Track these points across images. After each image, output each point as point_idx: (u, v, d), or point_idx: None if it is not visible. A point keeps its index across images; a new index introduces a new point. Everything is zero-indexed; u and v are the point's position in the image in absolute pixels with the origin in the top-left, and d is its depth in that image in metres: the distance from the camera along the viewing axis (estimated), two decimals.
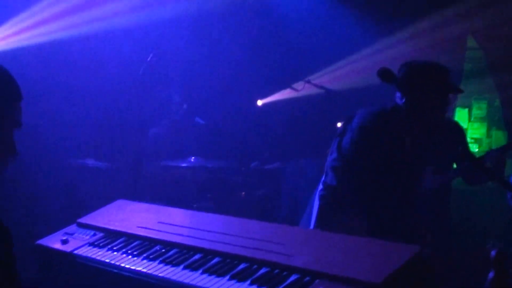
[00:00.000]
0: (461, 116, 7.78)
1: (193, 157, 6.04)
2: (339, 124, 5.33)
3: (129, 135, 6.33)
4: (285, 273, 2.54)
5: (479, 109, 8.21)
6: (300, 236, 2.86)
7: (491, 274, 2.37)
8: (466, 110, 8.07)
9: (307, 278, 2.46)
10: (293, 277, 2.50)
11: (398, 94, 3.87)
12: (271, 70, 7.18)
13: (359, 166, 3.76)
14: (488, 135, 7.84)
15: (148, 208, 3.45)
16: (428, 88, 3.74)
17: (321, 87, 6.39)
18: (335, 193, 3.76)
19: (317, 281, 2.42)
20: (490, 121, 8.08)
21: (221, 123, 6.96)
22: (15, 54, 5.64)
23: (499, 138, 7.59)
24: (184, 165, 6.00)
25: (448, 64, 3.87)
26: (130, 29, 6.15)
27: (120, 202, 3.61)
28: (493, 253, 2.36)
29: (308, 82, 6.63)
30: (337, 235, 2.78)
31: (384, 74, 3.50)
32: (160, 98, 6.59)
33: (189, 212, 3.34)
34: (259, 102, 7.47)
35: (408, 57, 3.95)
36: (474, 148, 7.39)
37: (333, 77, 7.20)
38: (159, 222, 3.18)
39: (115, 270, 2.90)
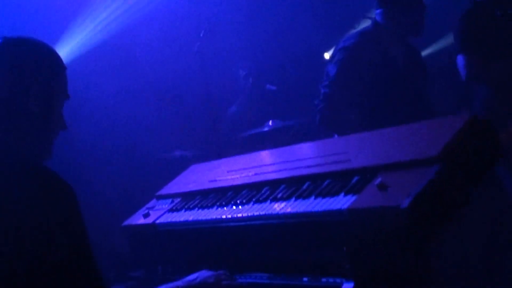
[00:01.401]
0: None
1: (271, 121, 6.05)
2: None
3: (207, 120, 6.40)
4: (346, 178, 2.50)
5: None
6: (353, 142, 2.82)
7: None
8: None
9: (368, 175, 2.41)
10: (355, 179, 2.45)
11: (378, 11, 3.99)
12: (333, 17, 7.06)
13: (346, 88, 3.82)
14: None
15: (219, 163, 3.50)
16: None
17: None
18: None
19: (378, 175, 2.36)
20: None
21: (293, 85, 6.93)
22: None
23: None
24: (265, 129, 6.03)
25: None
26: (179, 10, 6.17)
27: (193, 167, 3.67)
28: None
29: (368, 17, 6.46)
30: (386, 130, 2.72)
31: None
32: (225, 75, 6.61)
33: (253, 154, 3.34)
34: (326, 55, 7.37)
35: None
36: None
37: None
38: (228, 171, 3.20)
39: (195, 226, 2.94)
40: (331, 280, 2.33)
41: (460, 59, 4.28)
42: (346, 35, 4.21)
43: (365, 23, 6.56)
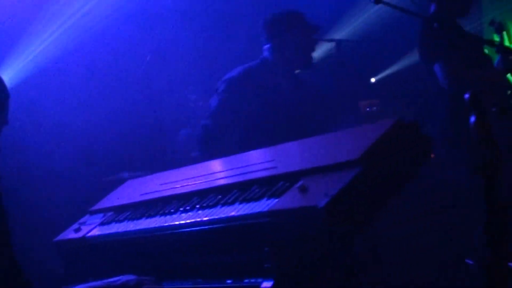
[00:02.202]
0: None
1: None
2: None
3: (156, 142, 6.36)
4: (271, 183, 2.49)
5: None
6: (281, 150, 2.82)
7: (472, 119, 2.25)
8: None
9: (292, 180, 2.40)
10: (279, 184, 2.44)
11: (266, 46, 4.02)
12: None
13: (226, 120, 3.82)
14: None
15: (152, 177, 3.46)
16: (288, 31, 4.03)
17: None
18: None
19: (301, 179, 2.35)
20: None
21: None
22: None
23: None
24: None
25: None
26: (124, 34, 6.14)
27: (128, 183, 3.63)
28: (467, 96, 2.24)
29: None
30: (313, 138, 2.73)
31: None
32: (176, 98, 6.59)
33: (186, 168, 3.31)
34: None
35: None
36: None
37: None
38: (160, 184, 3.17)
39: (123, 238, 2.91)
40: (252, 280, 2.30)
41: (438, 68, 4.24)
42: (234, 68, 4.17)
43: None
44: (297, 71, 4.26)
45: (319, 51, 6.38)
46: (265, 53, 4.12)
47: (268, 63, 4.07)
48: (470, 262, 2.56)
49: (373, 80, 7.28)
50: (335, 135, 2.64)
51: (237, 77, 4.02)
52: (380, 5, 3.25)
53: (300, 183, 2.28)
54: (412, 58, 6.83)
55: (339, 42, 6.18)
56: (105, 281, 2.48)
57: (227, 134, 3.91)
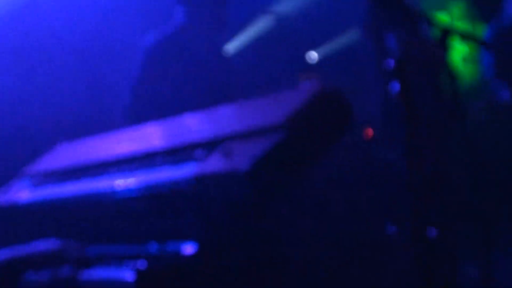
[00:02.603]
0: None
1: None
2: None
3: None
4: (196, 149, 2.47)
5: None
6: (208, 116, 2.80)
7: (395, 86, 2.27)
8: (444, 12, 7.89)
9: (216, 145, 2.39)
10: (204, 149, 2.43)
11: (178, 9, 4.04)
12: None
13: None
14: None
15: (84, 142, 3.39)
16: None
17: None
18: None
19: (225, 144, 2.34)
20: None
21: None
22: None
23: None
24: None
25: None
26: None
27: (60, 146, 3.55)
28: (391, 63, 2.26)
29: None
30: (238, 104, 2.73)
31: None
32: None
33: (120, 132, 3.25)
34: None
35: None
36: None
37: None
38: (89, 150, 3.13)
39: (47, 203, 2.87)
40: (176, 247, 2.29)
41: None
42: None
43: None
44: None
45: (259, 24, 6.37)
46: (179, 16, 4.07)
47: (184, 27, 4.03)
48: (393, 229, 2.61)
49: (314, 55, 7.29)
50: (261, 101, 2.62)
51: (156, 43, 3.98)
52: None
53: (224, 147, 2.27)
54: (354, 34, 6.89)
55: (279, 15, 6.16)
56: (27, 245, 2.44)
57: (151, 100, 3.88)
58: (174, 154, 2.53)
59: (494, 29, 5.10)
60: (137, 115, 3.86)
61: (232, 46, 6.72)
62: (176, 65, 3.91)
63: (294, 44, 6.61)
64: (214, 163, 2.24)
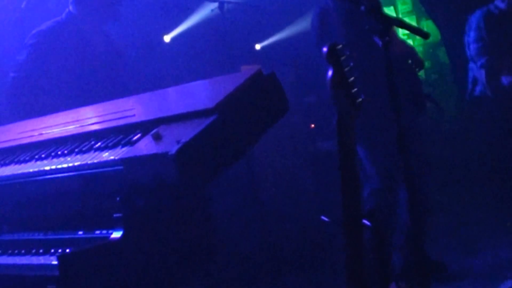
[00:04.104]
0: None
1: None
2: None
3: None
4: (127, 132, 2.44)
5: (404, 4, 8.12)
6: (142, 100, 2.78)
7: (330, 72, 2.25)
8: (391, 7, 7.96)
9: (148, 128, 2.36)
10: (135, 132, 2.39)
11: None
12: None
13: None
14: (420, 26, 7.72)
15: (13, 126, 3.31)
16: None
17: None
18: None
19: (157, 127, 2.31)
20: (418, 13, 7.99)
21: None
22: None
23: (430, 27, 7.47)
24: None
25: None
26: None
27: None
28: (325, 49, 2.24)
29: None
30: (173, 88, 2.70)
31: None
32: None
33: (50, 115, 3.17)
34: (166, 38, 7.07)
35: None
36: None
37: None
38: (19, 133, 3.05)
39: None
40: (104, 231, 2.26)
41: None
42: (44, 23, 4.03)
43: None
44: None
45: (201, 12, 6.29)
46: (71, 7, 3.94)
47: (75, 18, 3.91)
48: (325, 219, 2.62)
49: (258, 46, 7.26)
50: (194, 85, 2.60)
51: (46, 32, 3.87)
52: None
53: (154, 131, 2.24)
54: (298, 26, 6.88)
55: (222, 3, 6.03)
56: None
57: (38, 88, 3.76)
58: (106, 137, 2.49)
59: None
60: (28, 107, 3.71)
61: (170, 35, 6.61)
62: (66, 53, 3.77)
63: (239, 34, 6.52)
64: (144, 146, 2.22)
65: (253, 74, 2.38)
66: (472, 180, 5.87)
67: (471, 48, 5.23)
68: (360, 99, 2.10)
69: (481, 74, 5.11)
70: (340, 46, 2.15)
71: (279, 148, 6.03)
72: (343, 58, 2.16)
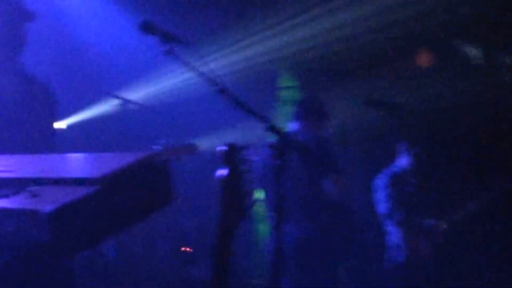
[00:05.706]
0: None
1: None
2: None
3: None
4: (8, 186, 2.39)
5: None
6: (36, 159, 2.74)
7: (225, 172, 2.29)
8: None
9: (28, 185, 2.32)
10: (14, 187, 2.35)
11: None
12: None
13: None
14: None
15: None
16: None
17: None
18: None
19: (40, 185, 2.29)
20: None
21: None
22: None
23: None
24: None
25: None
26: None
27: None
28: (221, 149, 2.30)
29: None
30: (75, 155, 2.68)
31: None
32: None
33: None
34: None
35: None
36: None
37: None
38: None
39: None
40: None
41: None
42: None
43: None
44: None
45: (106, 105, 6.21)
46: None
47: None
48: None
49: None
50: (90, 156, 2.61)
51: None
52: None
53: (33, 188, 2.21)
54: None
55: (127, 102, 5.99)
56: None
57: None
58: None
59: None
60: None
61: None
62: None
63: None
64: (20, 200, 2.18)
65: (147, 156, 2.42)
66: None
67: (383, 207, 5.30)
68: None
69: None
70: (240, 147, 2.23)
71: None
72: (240, 160, 2.24)
